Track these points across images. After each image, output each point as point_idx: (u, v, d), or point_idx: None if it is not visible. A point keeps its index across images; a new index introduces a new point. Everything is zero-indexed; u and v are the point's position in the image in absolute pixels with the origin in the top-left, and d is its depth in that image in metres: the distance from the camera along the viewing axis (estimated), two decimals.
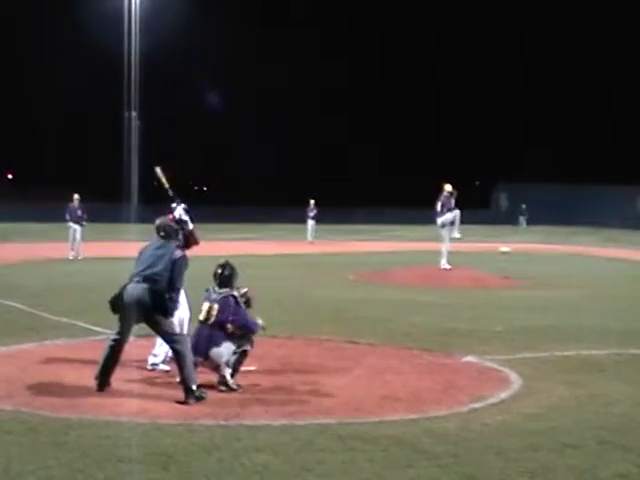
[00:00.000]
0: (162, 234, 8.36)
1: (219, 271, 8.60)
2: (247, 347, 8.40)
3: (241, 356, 8.36)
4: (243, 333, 8.41)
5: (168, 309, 7.99)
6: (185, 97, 66.05)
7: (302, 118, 69.10)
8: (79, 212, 25.38)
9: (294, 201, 49.85)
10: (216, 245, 23.68)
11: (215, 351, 8.27)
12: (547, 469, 5.94)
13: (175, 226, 8.64)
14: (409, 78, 71.63)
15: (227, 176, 71.84)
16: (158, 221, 8.51)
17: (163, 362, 8.96)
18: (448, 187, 21.19)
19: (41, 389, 8.06)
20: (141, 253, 8.26)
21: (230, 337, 8.35)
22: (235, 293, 8.53)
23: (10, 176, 74.92)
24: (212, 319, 8.36)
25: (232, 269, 8.62)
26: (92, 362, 9.15)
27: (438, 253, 21.39)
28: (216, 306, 8.38)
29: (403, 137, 71.49)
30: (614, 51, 65.99)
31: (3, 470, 5.71)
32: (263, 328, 8.54)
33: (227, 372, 8.26)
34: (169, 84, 62.14)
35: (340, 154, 70.93)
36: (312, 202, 37.74)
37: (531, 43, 68.88)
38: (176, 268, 8.04)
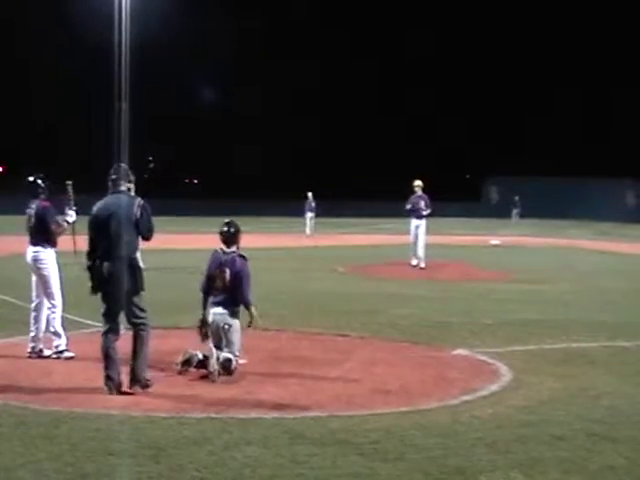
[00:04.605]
0: (113, 177, 8.03)
1: (225, 228, 8.88)
2: (232, 361, 8.38)
3: (226, 366, 8.33)
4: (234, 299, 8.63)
5: (142, 282, 7.90)
6: (179, 89, 65.94)
7: (301, 112, 69.00)
8: None
9: (290, 194, 49.88)
10: (206, 238, 23.55)
11: (238, 310, 8.58)
12: (536, 461, 5.96)
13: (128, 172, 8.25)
14: (408, 79, 71.67)
15: (220, 169, 71.69)
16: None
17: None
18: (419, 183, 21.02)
19: (31, 382, 8.05)
20: (99, 219, 7.86)
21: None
22: (243, 254, 8.79)
23: (0, 169, 74.62)
24: (227, 284, 8.60)
25: (237, 226, 8.91)
26: (82, 355, 9.17)
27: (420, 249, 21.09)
28: (227, 271, 8.61)
29: (397, 132, 71.41)
30: (616, 53, 66.15)
31: None
32: (252, 318, 8.62)
33: (235, 353, 8.35)
34: (162, 76, 61.93)
35: (335, 148, 70.91)
36: (310, 195, 37.67)
37: (527, 39, 69.01)
38: (140, 226, 7.82)
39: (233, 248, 8.80)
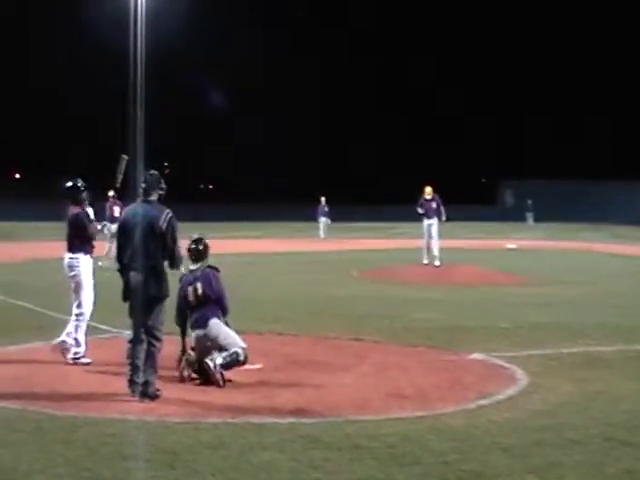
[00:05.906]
0: (144, 185, 7.99)
1: (193, 246, 8.76)
2: (239, 353, 8.34)
3: (233, 359, 8.30)
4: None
5: (167, 289, 7.82)
6: (189, 95, 66.16)
7: (305, 116, 69.04)
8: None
9: (299, 199, 49.89)
10: (221, 243, 23.61)
11: (214, 321, 8.44)
12: (553, 465, 5.94)
13: (157, 175, 8.13)
14: (410, 79, 71.62)
15: (232, 174, 71.88)
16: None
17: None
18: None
19: (48, 387, 8.08)
20: (127, 226, 7.87)
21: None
22: (212, 265, 8.72)
23: (18, 175, 75.08)
24: (200, 297, 8.49)
25: (205, 243, 8.82)
26: (99, 360, 9.19)
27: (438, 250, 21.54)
28: (199, 284, 8.51)
29: (406, 135, 71.33)
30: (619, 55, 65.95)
31: (11, 469, 5.73)
32: (226, 322, 8.60)
33: (218, 361, 8.22)
34: (173, 82, 62.16)
35: (341, 152, 70.93)
36: (323, 200, 37.87)
37: (543, 41, 68.86)
38: (168, 239, 7.73)
39: (199, 264, 8.65)
